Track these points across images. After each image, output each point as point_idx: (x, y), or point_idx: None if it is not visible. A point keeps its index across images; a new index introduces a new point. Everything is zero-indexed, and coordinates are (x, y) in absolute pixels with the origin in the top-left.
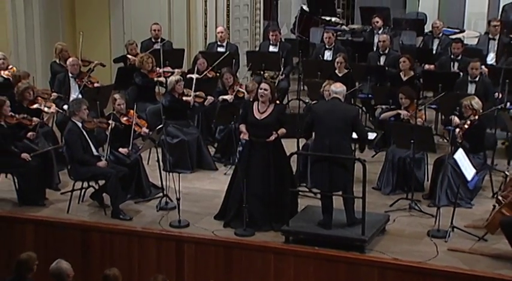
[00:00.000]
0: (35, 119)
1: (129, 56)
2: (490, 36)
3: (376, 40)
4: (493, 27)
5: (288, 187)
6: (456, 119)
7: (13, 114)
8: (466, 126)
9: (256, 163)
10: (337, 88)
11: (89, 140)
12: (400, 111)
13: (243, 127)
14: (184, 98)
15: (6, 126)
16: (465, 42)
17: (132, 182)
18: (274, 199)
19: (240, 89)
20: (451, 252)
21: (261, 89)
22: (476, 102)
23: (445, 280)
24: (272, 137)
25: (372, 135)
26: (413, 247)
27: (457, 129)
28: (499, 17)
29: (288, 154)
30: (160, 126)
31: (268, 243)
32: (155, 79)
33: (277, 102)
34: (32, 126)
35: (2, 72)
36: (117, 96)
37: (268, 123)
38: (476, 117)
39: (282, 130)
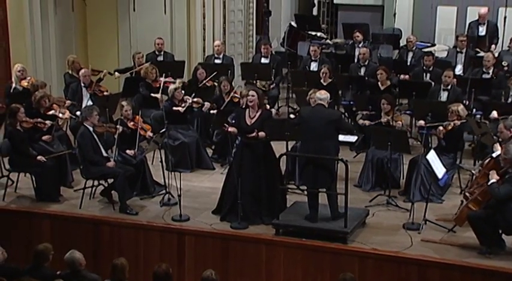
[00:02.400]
0: (47, 121)
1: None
2: (458, 49)
3: (357, 53)
4: (460, 41)
5: (278, 185)
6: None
7: (28, 119)
8: (449, 127)
9: (249, 163)
10: (322, 95)
11: (99, 143)
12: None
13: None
14: (174, 108)
15: (22, 130)
16: (436, 55)
17: (137, 181)
18: (265, 195)
19: (235, 94)
20: (424, 242)
21: (248, 95)
22: (462, 109)
23: (418, 267)
24: (251, 135)
25: (353, 138)
26: (391, 238)
27: (440, 128)
28: (466, 33)
29: (277, 155)
30: (163, 130)
31: (260, 235)
32: (153, 95)
33: (268, 107)
34: (46, 129)
35: (21, 82)
36: (124, 103)
37: (256, 128)
38: (459, 123)
39: (262, 133)
